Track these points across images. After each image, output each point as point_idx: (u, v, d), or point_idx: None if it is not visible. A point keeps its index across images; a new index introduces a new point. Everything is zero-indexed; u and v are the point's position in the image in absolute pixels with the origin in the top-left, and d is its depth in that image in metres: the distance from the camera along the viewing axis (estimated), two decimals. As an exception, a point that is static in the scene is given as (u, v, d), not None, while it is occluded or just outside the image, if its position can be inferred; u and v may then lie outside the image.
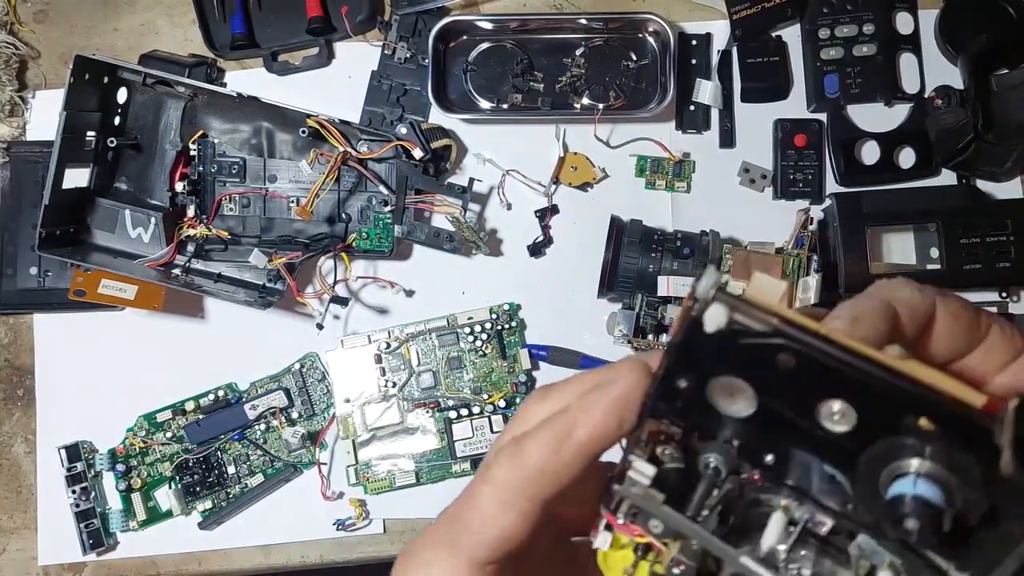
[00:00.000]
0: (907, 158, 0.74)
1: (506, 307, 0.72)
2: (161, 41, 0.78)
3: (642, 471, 0.26)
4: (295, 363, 0.73)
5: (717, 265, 0.43)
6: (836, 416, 0.23)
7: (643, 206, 0.74)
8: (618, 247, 0.68)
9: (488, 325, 0.72)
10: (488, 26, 0.75)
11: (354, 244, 0.72)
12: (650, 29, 0.75)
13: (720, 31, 0.76)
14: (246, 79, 0.77)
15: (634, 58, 0.75)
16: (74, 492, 0.71)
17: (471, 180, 0.72)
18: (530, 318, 0.74)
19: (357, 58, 0.77)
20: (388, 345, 0.71)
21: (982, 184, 0.74)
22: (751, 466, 0.26)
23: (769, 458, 0.26)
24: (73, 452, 0.72)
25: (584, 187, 0.75)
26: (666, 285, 0.66)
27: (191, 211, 0.72)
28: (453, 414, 0.70)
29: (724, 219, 0.72)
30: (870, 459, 0.23)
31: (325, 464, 0.73)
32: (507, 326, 0.72)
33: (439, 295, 0.74)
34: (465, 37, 0.76)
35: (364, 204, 0.73)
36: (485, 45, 0.76)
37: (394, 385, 0.71)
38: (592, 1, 0.78)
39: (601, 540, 0.30)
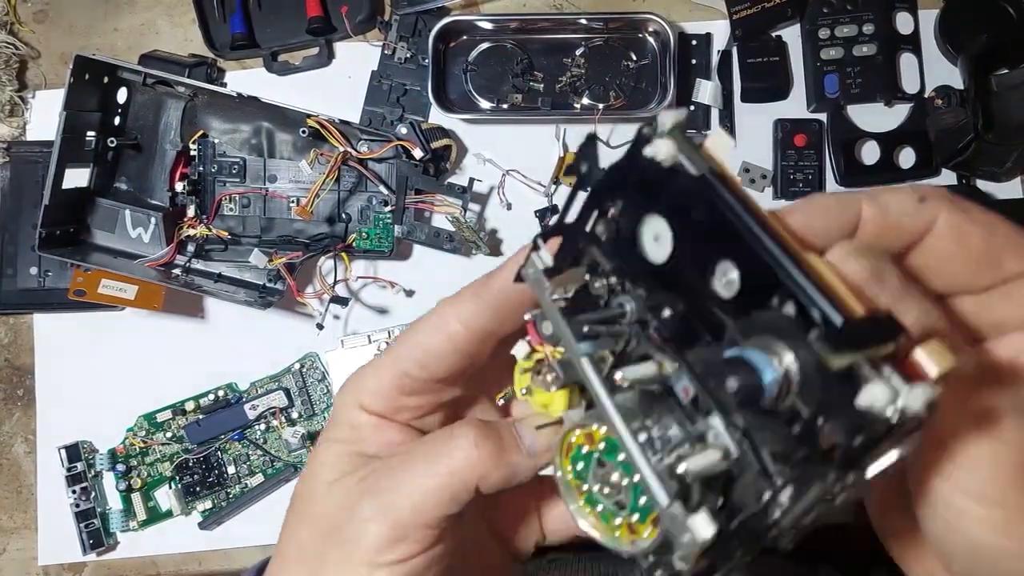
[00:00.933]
0: (907, 158, 0.74)
1: None
2: (161, 41, 0.78)
3: (542, 257, 0.27)
4: (295, 363, 0.73)
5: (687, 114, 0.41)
6: (726, 281, 0.23)
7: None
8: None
9: None
10: (488, 26, 0.75)
11: (354, 244, 0.72)
12: (650, 29, 0.75)
13: (720, 31, 0.76)
14: (246, 79, 0.77)
15: (634, 58, 0.75)
16: (74, 492, 0.71)
17: (471, 180, 0.72)
18: (530, 318, 0.74)
19: (357, 58, 0.77)
20: (388, 345, 0.71)
21: (982, 184, 0.74)
22: (653, 318, 0.25)
23: (667, 312, 0.25)
24: (73, 452, 0.72)
25: (584, 187, 0.75)
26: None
27: (191, 211, 0.72)
28: None
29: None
30: (738, 328, 0.23)
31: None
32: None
33: (439, 295, 0.74)
34: (465, 37, 0.76)
35: (364, 204, 0.73)
36: (485, 45, 0.76)
37: None
38: (592, 1, 0.78)
39: (518, 348, 0.30)
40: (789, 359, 0.21)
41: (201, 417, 0.72)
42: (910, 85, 0.75)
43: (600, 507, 0.26)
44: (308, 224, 0.73)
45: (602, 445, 0.26)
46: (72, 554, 0.73)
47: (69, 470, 0.72)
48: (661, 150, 0.23)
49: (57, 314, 0.75)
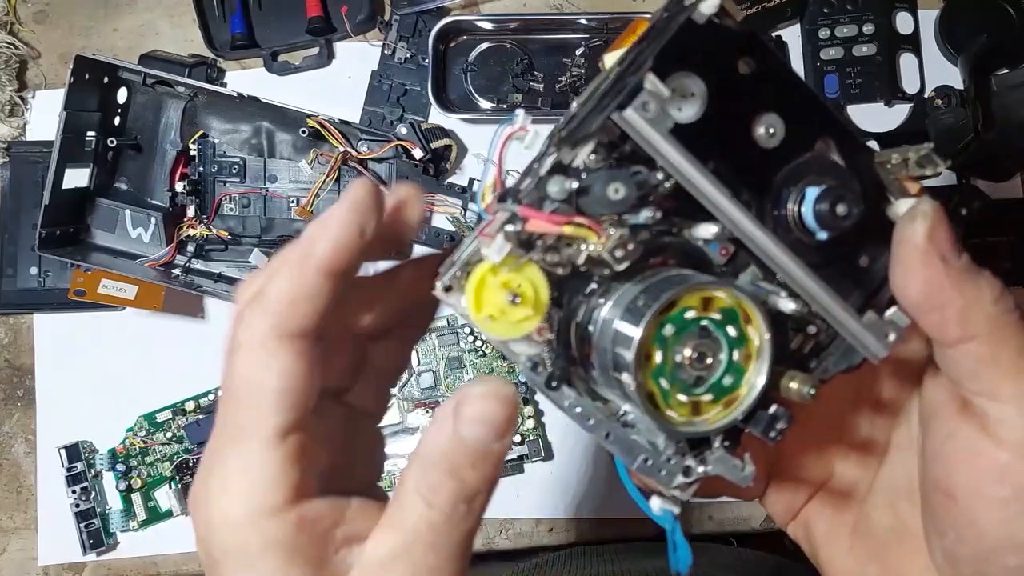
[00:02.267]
0: (907, 158, 0.74)
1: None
2: (161, 41, 0.78)
3: (658, 87, 0.25)
4: None
5: None
6: (770, 129, 0.26)
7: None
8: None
9: None
10: (488, 26, 0.75)
11: (354, 244, 0.72)
12: (650, 29, 0.75)
13: (720, 31, 0.76)
14: (246, 79, 0.77)
15: (634, 58, 0.75)
16: (74, 492, 0.71)
17: (471, 180, 0.72)
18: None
19: (357, 58, 0.77)
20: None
21: (982, 184, 0.74)
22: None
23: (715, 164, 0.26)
24: (73, 452, 0.72)
25: (584, 187, 0.75)
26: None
27: (191, 211, 0.72)
28: None
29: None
30: (788, 172, 0.27)
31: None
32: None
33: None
34: (465, 37, 0.76)
35: (364, 204, 0.73)
36: (485, 45, 0.76)
37: (394, 385, 0.71)
38: (592, 1, 0.78)
39: (495, 249, 0.26)
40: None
41: (201, 417, 0.72)
42: (910, 85, 0.75)
43: (665, 382, 0.25)
44: (308, 224, 0.73)
45: (718, 316, 0.25)
46: (72, 554, 0.73)
47: (69, 470, 0.72)
48: (710, 5, 0.25)
49: (57, 314, 0.75)
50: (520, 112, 0.31)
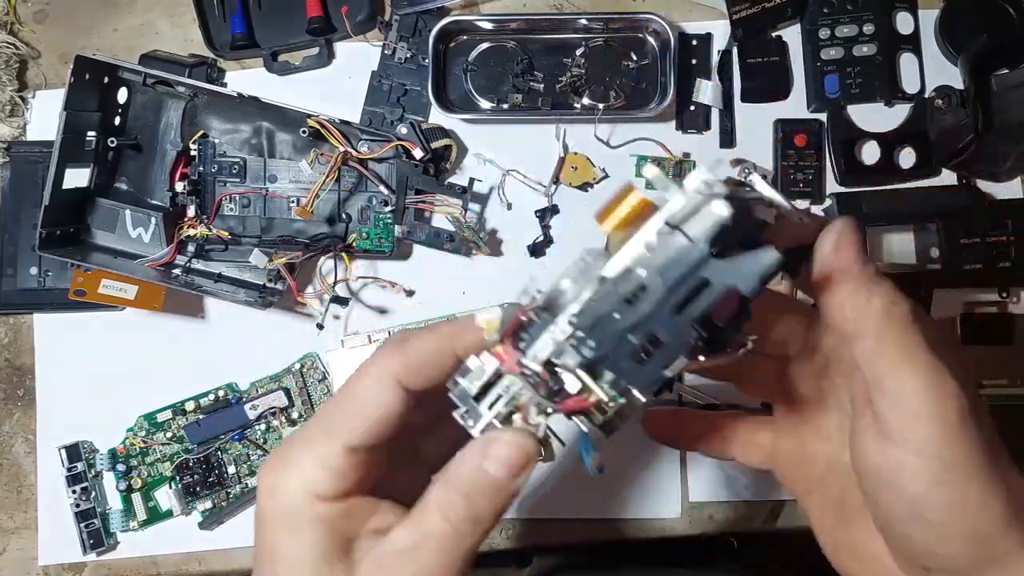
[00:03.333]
0: (907, 158, 0.74)
1: (506, 306, 0.71)
2: (161, 41, 0.78)
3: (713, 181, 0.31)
4: (295, 363, 0.73)
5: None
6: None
7: (643, 206, 0.74)
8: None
9: None
10: (488, 26, 0.75)
11: (354, 244, 0.72)
12: (650, 29, 0.75)
13: (720, 31, 0.76)
14: (246, 79, 0.77)
15: (634, 58, 0.75)
16: (74, 492, 0.71)
17: (471, 180, 0.72)
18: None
19: (357, 58, 0.77)
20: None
21: (982, 184, 0.74)
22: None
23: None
24: (73, 452, 0.72)
25: (584, 187, 0.75)
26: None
27: (191, 211, 0.72)
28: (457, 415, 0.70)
29: (724, 219, 0.72)
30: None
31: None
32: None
33: (439, 295, 0.74)
34: (465, 37, 0.76)
35: (364, 204, 0.73)
36: (485, 45, 0.76)
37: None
38: (592, 1, 0.78)
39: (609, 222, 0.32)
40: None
41: (201, 417, 0.72)
42: (910, 85, 0.75)
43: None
44: (308, 224, 0.73)
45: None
46: (72, 554, 0.73)
47: (69, 470, 0.72)
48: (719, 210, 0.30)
49: (57, 314, 0.75)
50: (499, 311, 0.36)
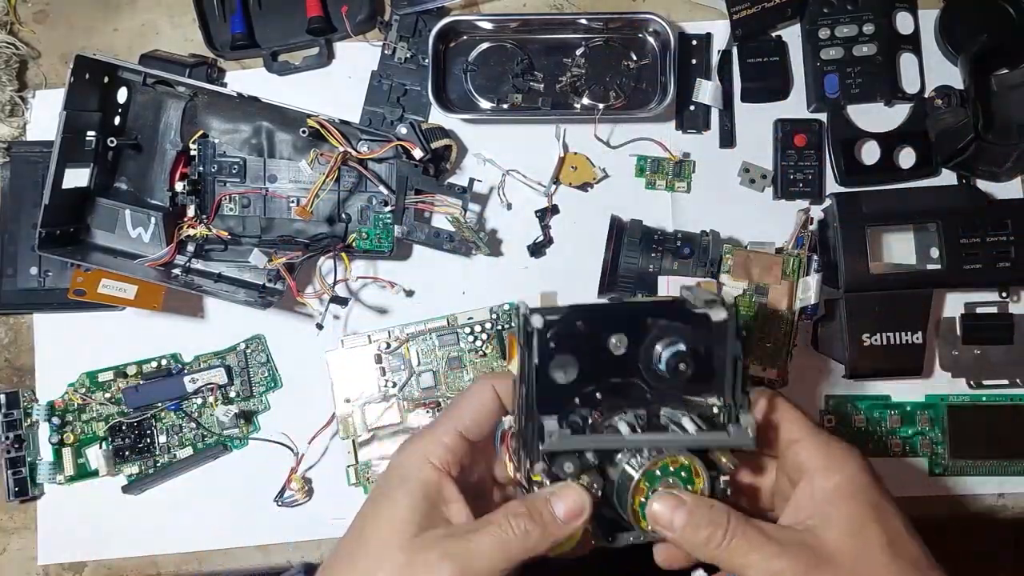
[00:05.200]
0: (907, 158, 0.74)
1: (506, 307, 0.72)
2: (161, 41, 0.78)
3: (552, 426, 0.45)
4: (241, 343, 0.74)
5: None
6: (616, 343, 0.46)
7: (643, 206, 0.74)
8: (618, 247, 0.68)
9: (488, 325, 0.72)
10: (488, 26, 0.75)
11: (354, 244, 0.72)
12: (650, 29, 0.75)
13: (720, 31, 0.76)
14: (246, 79, 0.77)
15: (634, 58, 0.75)
16: (7, 439, 0.72)
17: (471, 180, 0.72)
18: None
19: (357, 58, 0.77)
20: (388, 345, 0.71)
21: (982, 184, 0.74)
22: (592, 409, 0.47)
23: (599, 395, 0.47)
24: (13, 399, 0.73)
25: (584, 187, 0.75)
26: (666, 285, 0.66)
27: (191, 211, 0.72)
28: None
29: (724, 219, 0.72)
30: (643, 354, 0.47)
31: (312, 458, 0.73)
32: (507, 326, 0.72)
33: (439, 295, 0.74)
34: (465, 37, 0.76)
35: (364, 204, 0.73)
36: (485, 45, 0.76)
37: (394, 385, 0.71)
38: (592, 1, 0.78)
39: None
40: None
41: (141, 383, 0.72)
42: (910, 85, 0.75)
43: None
44: (308, 224, 0.73)
45: (684, 464, 0.46)
46: (72, 554, 0.73)
47: (6, 416, 0.73)
48: (535, 322, 0.45)
49: (57, 314, 0.75)
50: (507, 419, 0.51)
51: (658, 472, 0.45)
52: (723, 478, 0.46)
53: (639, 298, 0.59)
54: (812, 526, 0.44)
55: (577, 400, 0.47)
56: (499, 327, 0.72)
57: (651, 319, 0.47)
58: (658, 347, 0.47)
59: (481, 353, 0.72)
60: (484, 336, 0.72)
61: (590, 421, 0.47)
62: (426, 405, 0.71)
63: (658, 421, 0.47)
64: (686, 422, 0.47)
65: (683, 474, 0.46)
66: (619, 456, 0.46)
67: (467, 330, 0.72)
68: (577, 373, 0.47)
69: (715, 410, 0.48)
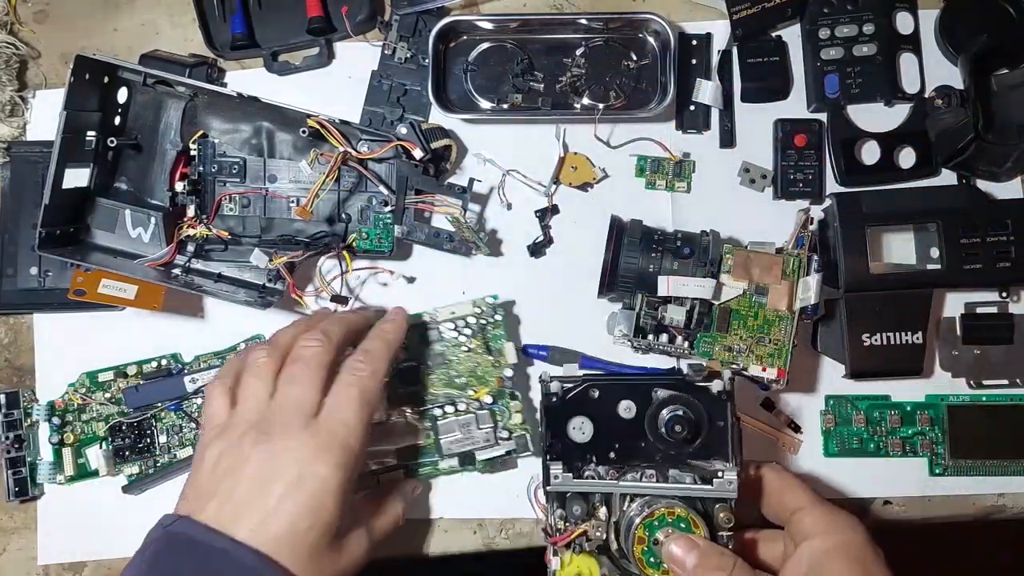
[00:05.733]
0: (907, 158, 0.74)
1: (489, 300, 0.71)
2: (161, 41, 0.78)
3: (557, 470, 0.56)
4: (240, 342, 0.74)
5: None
6: (625, 409, 0.58)
7: (643, 206, 0.74)
8: (618, 247, 0.68)
9: (472, 320, 0.70)
10: (488, 26, 0.75)
11: (354, 244, 0.72)
12: (650, 29, 0.75)
13: (720, 31, 0.76)
14: (246, 79, 0.77)
15: (634, 58, 0.75)
16: (7, 439, 0.72)
17: (471, 180, 0.72)
18: (530, 318, 0.74)
19: (357, 58, 0.77)
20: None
21: (982, 184, 0.74)
22: (607, 467, 0.57)
23: (612, 455, 0.57)
24: (13, 399, 0.73)
25: (584, 187, 0.75)
26: (666, 285, 0.66)
27: (191, 211, 0.72)
28: (438, 411, 0.69)
29: (724, 219, 0.72)
30: (649, 419, 0.57)
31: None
32: (491, 320, 0.70)
33: (439, 295, 0.74)
34: (465, 37, 0.76)
35: (364, 204, 0.73)
36: (485, 45, 0.76)
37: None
38: (592, 1, 0.78)
39: (555, 563, 0.57)
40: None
41: (141, 383, 0.72)
42: (910, 85, 0.75)
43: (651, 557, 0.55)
44: (308, 224, 0.73)
45: (681, 515, 0.55)
46: (72, 554, 0.73)
47: (6, 416, 0.72)
48: (555, 389, 0.59)
49: (57, 314, 0.75)
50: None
51: (656, 522, 0.53)
52: (724, 533, 0.54)
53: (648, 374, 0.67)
54: None
55: (593, 459, 0.57)
56: (483, 321, 0.70)
57: (657, 390, 0.57)
58: (663, 412, 0.56)
59: (465, 348, 0.70)
60: (468, 331, 0.70)
61: (604, 476, 0.56)
62: (410, 402, 0.69)
63: (664, 480, 0.55)
64: (687, 479, 0.55)
65: (682, 525, 0.54)
66: (625, 507, 0.55)
67: (450, 325, 0.70)
68: (592, 433, 0.57)
69: (719, 473, 0.54)
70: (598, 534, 0.55)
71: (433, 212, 0.74)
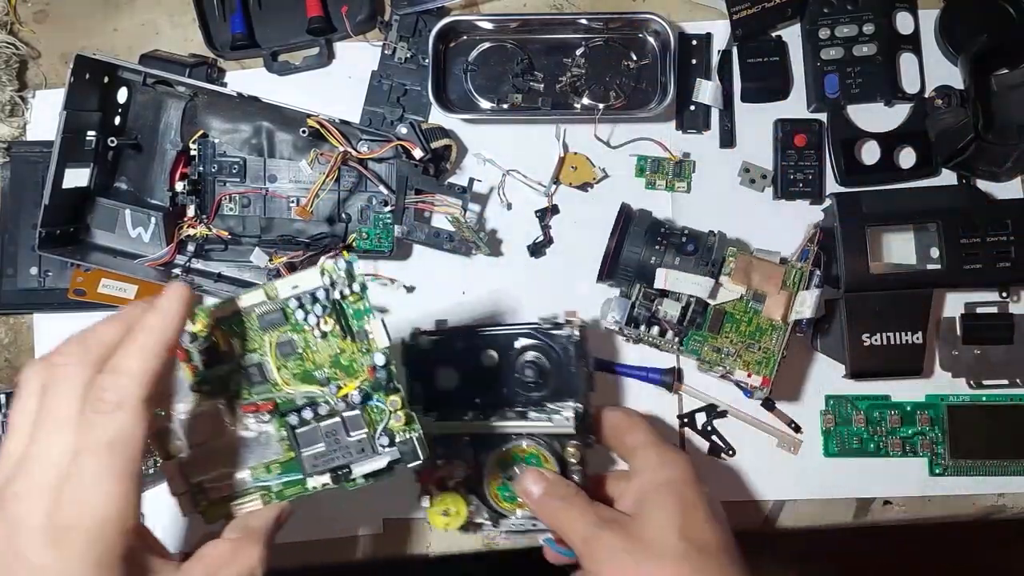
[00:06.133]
0: (907, 158, 0.74)
1: (342, 265, 0.51)
2: (161, 41, 0.78)
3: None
4: None
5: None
6: (488, 359, 0.62)
7: (643, 206, 0.74)
8: (623, 235, 0.68)
9: (321, 294, 0.51)
10: (488, 26, 0.75)
11: (354, 244, 0.72)
12: (650, 29, 0.75)
13: (720, 31, 0.76)
14: (246, 79, 0.77)
15: (634, 58, 0.75)
16: None
17: (471, 180, 0.72)
18: (530, 318, 0.74)
19: (357, 58, 0.77)
20: (193, 337, 0.50)
21: (982, 184, 0.74)
22: (475, 412, 0.62)
23: (478, 400, 0.62)
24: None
25: (584, 187, 0.75)
26: (663, 278, 0.66)
27: (191, 211, 0.72)
28: (294, 418, 0.52)
29: (724, 219, 0.72)
30: (507, 367, 0.61)
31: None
32: (346, 291, 0.51)
33: (439, 295, 0.74)
34: (465, 37, 0.76)
35: (364, 204, 0.73)
36: (485, 45, 0.76)
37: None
38: (592, 1, 0.78)
39: (425, 501, 0.63)
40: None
41: None
42: (910, 85, 0.75)
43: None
44: (308, 224, 0.73)
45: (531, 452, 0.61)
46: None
47: (6, 416, 0.71)
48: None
49: (57, 314, 0.75)
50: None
51: (511, 461, 0.61)
52: (574, 468, 0.59)
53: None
54: (633, 511, 0.56)
55: (461, 405, 0.61)
56: (335, 295, 0.51)
57: (518, 339, 0.61)
58: (520, 360, 0.60)
59: (319, 332, 0.51)
60: (318, 309, 0.51)
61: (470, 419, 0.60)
62: (258, 408, 0.53)
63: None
64: (543, 421, 0.59)
65: (533, 461, 0.60)
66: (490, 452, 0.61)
67: (294, 303, 0.51)
68: (458, 381, 0.62)
69: (559, 411, 0.60)
70: (459, 472, 0.61)
71: (433, 212, 0.74)
